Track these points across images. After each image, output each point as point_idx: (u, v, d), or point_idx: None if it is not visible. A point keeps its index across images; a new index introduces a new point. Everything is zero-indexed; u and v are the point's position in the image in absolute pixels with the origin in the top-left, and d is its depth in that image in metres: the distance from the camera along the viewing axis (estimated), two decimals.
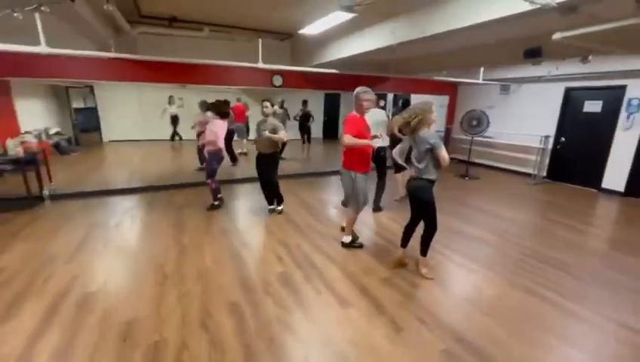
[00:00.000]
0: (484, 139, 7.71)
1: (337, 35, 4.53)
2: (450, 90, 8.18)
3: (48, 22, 3.21)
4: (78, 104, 10.39)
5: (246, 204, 4.78)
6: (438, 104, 8.37)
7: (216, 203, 4.42)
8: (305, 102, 8.41)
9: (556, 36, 2.86)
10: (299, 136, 8.53)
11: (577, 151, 6.27)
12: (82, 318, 2.24)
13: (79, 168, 6.98)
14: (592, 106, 6.02)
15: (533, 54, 4.22)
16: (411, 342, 2.11)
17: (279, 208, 4.38)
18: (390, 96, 10.99)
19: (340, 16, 3.51)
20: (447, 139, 8.53)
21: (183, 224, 3.93)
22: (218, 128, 4.13)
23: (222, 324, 2.22)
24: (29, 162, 4.63)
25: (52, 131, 8.79)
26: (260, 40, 4.52)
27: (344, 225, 3.51)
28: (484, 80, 6.93)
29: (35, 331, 2.10)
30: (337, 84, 6.63)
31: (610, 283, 2.88)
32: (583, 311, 2.46)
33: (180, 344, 2.03)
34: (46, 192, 4.69)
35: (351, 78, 6.56)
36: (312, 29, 4.05)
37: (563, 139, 6.48)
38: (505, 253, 3.39)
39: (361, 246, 3.39)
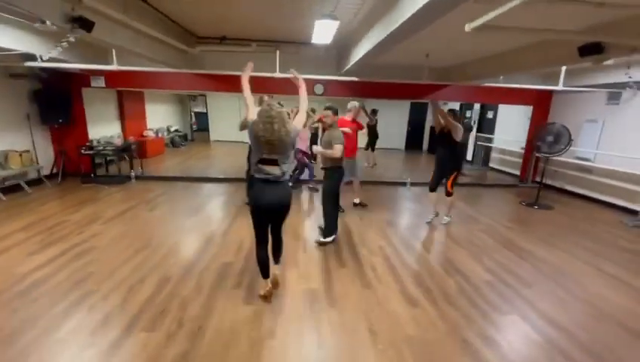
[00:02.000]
0: (576, 161, 6.05)
1: (353, 41, 4.49)
2: (535, 99, 6.69)
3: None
4: (197, 109, 13.08)
5: None
6: (525, 115, 7.06)
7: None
8: (374, 111, 8.33)
9: None
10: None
11: None
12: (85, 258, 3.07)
13: (176, 159, 8.86)
14: None
15: (591, 51, 3.22)
16: None
17: (322, 239, 3.60)
18: (477, 106, 9.73)
19: (329, 25, 3.53)
20: (526, 155, 7.02)
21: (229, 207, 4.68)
22: None
23: None
24: (125, 150, 6.25)
25: (172, 129, 11.39)
26: (278, 51, 4.89)
27: None
28: (582, 86, 5.47)
29: (46, 261, 3.01)
30: (383, 92, 6.41)
31: None
32: None
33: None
34: (132, 174, 6.24)
35: (395, 86, 6.25)
36: (318, 39, 4.16)
37: None
38: None
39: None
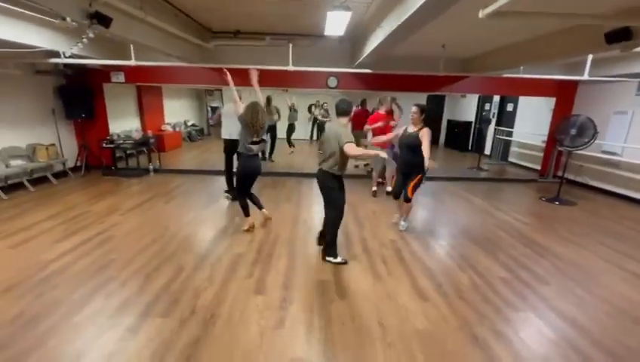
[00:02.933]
0: (602, 156, 5.77)
1: (367, 33, 4.42)
2: (558, 90, 6.40)
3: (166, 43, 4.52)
4: (213, 103, 13.27)
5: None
6: (547, 107, 6.79)
7: None
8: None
9: None
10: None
11: None
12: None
13: (193, 153, 9.05)
14: None
15: (619, 37, 3.04)
16: None
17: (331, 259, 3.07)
18: (496, 98, 9.41)
19: (342, 16, 3.48)
20: (548, 149, 6.75)
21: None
22: None
23: None
24: (143, 143, 6.44)
25: (189, 123, 11.62)
26: (291, 45, 4.88)
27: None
28: (610, 75, 5.18)
29: (71, 249, 3.16)
30: (398, 84, 6.29)
31: None
32: None
33: None
34: (151, 167, 6.42)
35: (411, 78, 6.12)
36: (331, 30, 4.11)
37: None
38: None
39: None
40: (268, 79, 6.11)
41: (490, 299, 2.60)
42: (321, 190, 3.00)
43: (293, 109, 9.05)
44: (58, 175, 5.76)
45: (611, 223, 4.50)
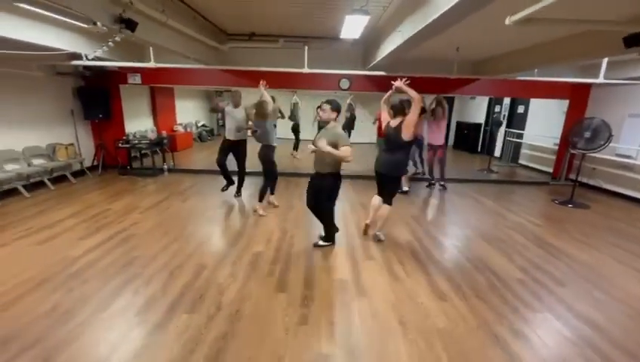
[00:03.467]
0: (617, 159, 5.74)
1: (382, 36, 4.47)
2: (572, 92, 6.38)
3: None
4: (222, 104, 13.40)
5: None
6: (559, 109, 6.77)
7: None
8: (350, 105, 8.40)
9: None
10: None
11: None
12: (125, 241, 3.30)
13: (204, 153, 9.16)
14: None
15: (638, 41, 3.05)
16: None
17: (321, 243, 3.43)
18: (507, 100, 9.39)
19: (359, 20, 3.54)
20: (561, 151, 6.72)
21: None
22: None
23: None
24: (158, 143, 6.56)
25: (199, 124, 11.76)
26: (307, 47, 4.94)
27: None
28: (626, 78, 5.16)
29: (95, 246, 3.26)
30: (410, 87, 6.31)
31: None
32: None
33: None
34: (165, 167, 6.54)
35: (423, 80, 6.13)
36: (347, 34, 4.17)
37: None
38: None
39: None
40: (281, 81, 6.22)
41: (508, 299, 2.63)
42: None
43: (296, 108, 8.36)
44: (76, 174, 5.89)
45: (625, 226, 4.48)
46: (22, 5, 2.81)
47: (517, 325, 2.32)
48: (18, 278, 2.66)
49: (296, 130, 8.43)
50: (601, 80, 4.82)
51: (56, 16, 2.89)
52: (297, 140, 8.45)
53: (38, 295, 2.45)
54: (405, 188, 5.64)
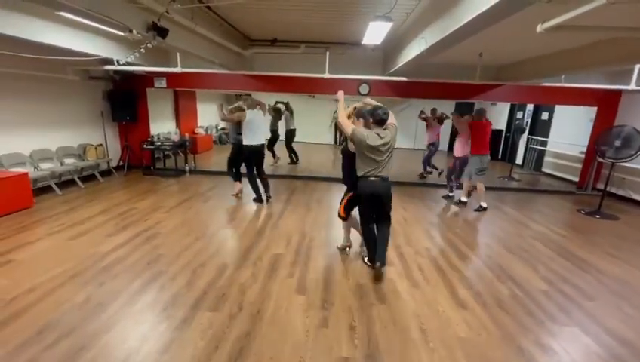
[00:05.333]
0: None
1: (403, 42, 4.48)
2: (600, 99, 6.16)
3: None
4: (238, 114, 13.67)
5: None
6: (586, 117, 6.57)
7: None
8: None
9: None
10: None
11: None
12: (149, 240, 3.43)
13: (223, 155, 9.34)
14: None
15: None
16: None
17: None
18: (530, 106, 9.18)
19: (383, 26, 3.58)
20: (587, 160, 6.48)
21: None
22: None
23: None
24: (181, 145, 6.77)
25: (219, 127, 12.04)
26: (328, 52, 5.02)
27: None
28: None
29: (123, 242, 3.40)
30: (430, 92, 6.28)
31: None
32: None
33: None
34: (187, 168, 6.73)
35: (444, 86, 6.10)
36: (369, 40, 4.21)
37: None
38: None
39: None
40: (301, 86, 6.31)
41: (532, 311, 2.57)
42: (385, 201, 2.87)
43: (283, 111, 7.74)
44: (103, 173, 6.16)
45: None
46: (64, 14, 3.00)
47: (542, 338, 2.26)
48: (52, 272, 2.81)
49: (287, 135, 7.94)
50: (632, 87, 4.65)
51: (95, 25, 3.06)
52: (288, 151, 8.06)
53: (71, 288, 2.58)
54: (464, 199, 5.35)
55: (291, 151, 8.06)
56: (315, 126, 12.46)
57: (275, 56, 6.32)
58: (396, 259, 3.34)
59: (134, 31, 2.82)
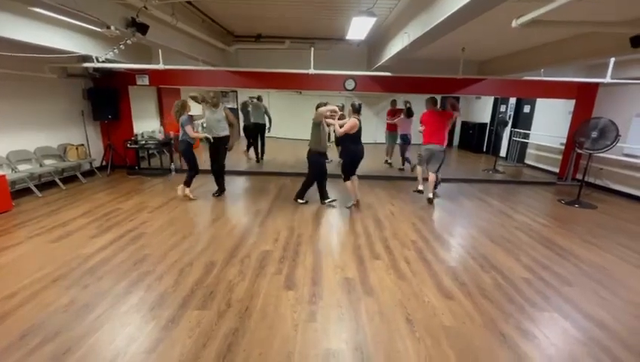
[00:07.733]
0: (624, 159, 5.71)
1: (387, 37, 4.50)
2: (578, 92, 6.35)
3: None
4: (228, 105, 13.53)
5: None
6: (565, 109, 6.76)
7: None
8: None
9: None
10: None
11: None
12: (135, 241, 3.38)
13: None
14: None
15: None
16: None
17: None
18: (513, 100, 9.38)
19: (366, 22, 3.59)
20: (567, 151, 6.69)
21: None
22: None
23: None
24: (166, 144, 6.65)
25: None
26: (313, 48, 5.00)
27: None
28: (633, 78, 5.14)
29: (107, 244, 3.34)
30: (415, 87, 6.35)
31: None
32: None
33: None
34: (172, 167, 6.63)
35: (428, 81, 6.18)
36: (353, 35, 4.22)
37: None
38: None
39: None
40: (287, 82, 6.28)
41: (514, 298, 2.66)
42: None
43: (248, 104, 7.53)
44: (85, 174, 6.00)
45: (634, 226, 4.47)
46: (37, 10, 2.89)
47: (524, 324, 2.34)
48: (34, 275, 2.74)
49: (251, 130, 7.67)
50: (608, 80, 4.80)
51: (71, 20, 2.96)
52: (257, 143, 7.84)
53: (55, 291, 2.53)
54: (420, 188, 5.64)
55: (255, 146, 7.69)
56: (303, 122, 12.37)
57: (260, 52, 6.25)
58: (383, 252, 3.39)
59: (112, 27, 2.75)
